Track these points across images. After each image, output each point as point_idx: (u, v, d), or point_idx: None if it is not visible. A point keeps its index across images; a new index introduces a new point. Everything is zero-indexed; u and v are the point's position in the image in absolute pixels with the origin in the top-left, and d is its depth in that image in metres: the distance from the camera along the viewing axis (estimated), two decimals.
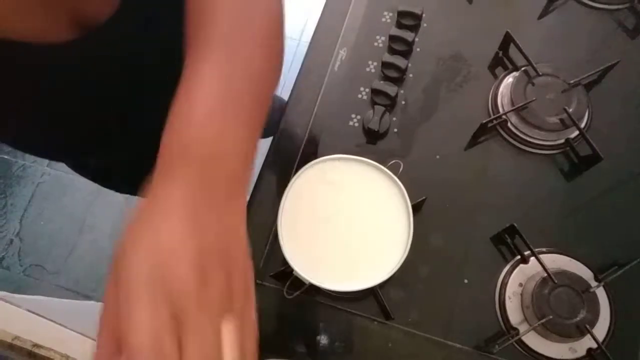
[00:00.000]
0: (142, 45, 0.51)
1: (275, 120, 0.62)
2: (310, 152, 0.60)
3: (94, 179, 0.77)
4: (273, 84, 0.41)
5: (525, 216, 0.55)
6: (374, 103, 0.60)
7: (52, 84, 0.48)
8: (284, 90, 0.81)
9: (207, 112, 0.33)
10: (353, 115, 0.61)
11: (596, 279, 0.51)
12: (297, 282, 0.50)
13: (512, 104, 0.57)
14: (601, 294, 0.51)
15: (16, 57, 0.42)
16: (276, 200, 0.51)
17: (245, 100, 0.36)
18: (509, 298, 0.53)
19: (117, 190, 0.84)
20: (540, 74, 0.58)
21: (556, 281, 0.49)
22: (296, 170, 0.53)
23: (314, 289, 0.51)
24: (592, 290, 0.50)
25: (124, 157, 0.70)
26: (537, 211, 0.56)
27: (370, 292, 0.53)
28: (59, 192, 1.68)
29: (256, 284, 0.53)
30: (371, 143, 0.60)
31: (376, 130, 0.58)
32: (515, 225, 0.52)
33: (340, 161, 0.51)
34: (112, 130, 0.61)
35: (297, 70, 0.65)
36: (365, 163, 0.51)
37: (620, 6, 0.64)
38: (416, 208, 0.53)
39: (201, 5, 0.39)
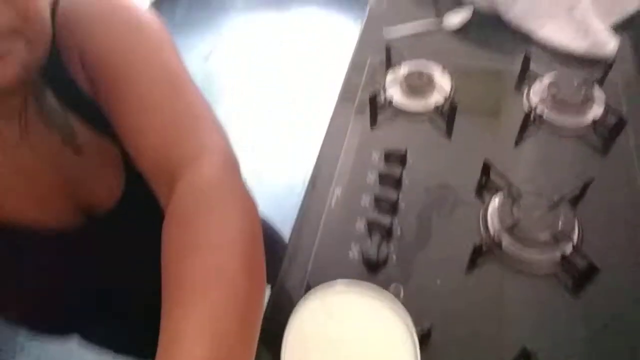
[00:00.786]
0: (143, 228, 0.52)
1: (277, 260, 0.64)
2: (312, 287, 0.61)
3: (102, 347, 0.76)
4: (260, 310, 0.40)
5: (537, 336, 0.53)
6: (370, 234, 0.63)
7: (57, 269, 0.51)
8: (288, 228, 0.85)
9: None
10: (352, 248, 0.63)
11: None
12: None
13: (502, 224, 0.60)
14: None
15: (24, 244, 0.46)
16: (280, 336, 0.50)
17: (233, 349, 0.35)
18: None
19: (127, 355, 0.82)
20: (524, 194, 0.62)
21: None
22: None
23: None
24: None
25: (129, 323, 0.71)
26: (548, 330, 0.54)
27: None
28: None
29: None
30: (371, 272, 0.61)
31: (375, 259, 0.60)
32: (528, 348, 0.50)
33: (341, 287, 0.52)
34: (114, 303, 0.63)
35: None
36: (366, 287, 0.52)
37: (585, 131, 0.71)
38: (423, 338, 0.52)
39: (179, 252, 0.39)
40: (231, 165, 0.45)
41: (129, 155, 0.46)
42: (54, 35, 0.43)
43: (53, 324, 0.58)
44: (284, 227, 0.96)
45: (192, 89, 0.47)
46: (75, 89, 0.47)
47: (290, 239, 0.67)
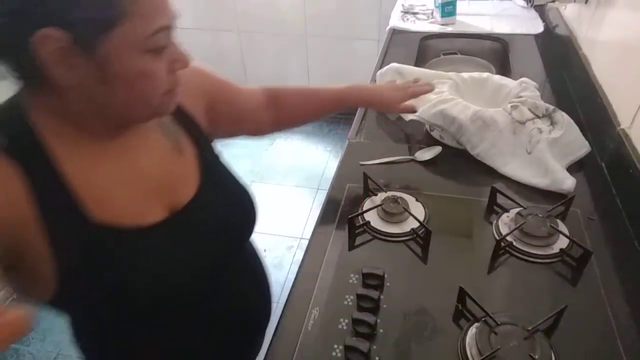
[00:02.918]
0: (219, 213, 0.67)
1: None
2: None
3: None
4: None
5: None
6: None
7: (153, 258, 0.59)
8: (261, 351, 0.81)
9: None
10: None
11: None
12: None
13: (480, 353, 0.59)
14: None
15: (125, 237, 0.56)
16: None
17: None
18: None
19: None
20: (500, 323, 0.62)
21: None
22: None
23: None
24: None
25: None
26: None
27: None
28: None
29: None
30: None
31: None
32: None
33: None
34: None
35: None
36: None
37: (553, 260, 0.74)
38: None
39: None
40: None
41: (205, 157, 0.67)
42: None
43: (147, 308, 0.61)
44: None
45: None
46: (185, 112, 0.66)
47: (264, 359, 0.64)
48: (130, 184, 0.58)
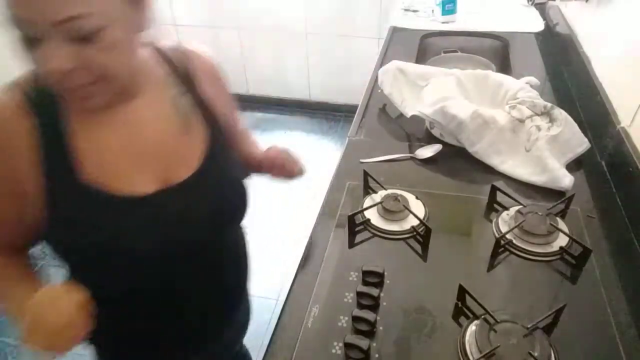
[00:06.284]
0: (209, 198, 0.67)
1: None
2: None
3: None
4: None
5: None
6: (347, 358, 0.61)
7: (142, 227, 0.62)
8: (261, 348, 0.81)
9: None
10: None
11: None
12: None
13: (480, 351, 0.59)
14: None
15: (119, 205, 0.60)
16: None
17: None
18: None
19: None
20: (499, 321, 0.62)
21: None
22: None
23: None
24: None
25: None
26: None
27: None
28: None
29: None
30: None
31: None
32: None
33: None
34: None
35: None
36: None
37: (552, 258, 0.74)
38: None
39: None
40: None
41: (215, 139, 0.68)
42: (190, 75, 0.69)
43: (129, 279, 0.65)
44: (255, 345, 0.91)
45: None
46: (199, 96, 0.69)
47: (264, 356, 0.64)
48: (127, 152, 0.61)
